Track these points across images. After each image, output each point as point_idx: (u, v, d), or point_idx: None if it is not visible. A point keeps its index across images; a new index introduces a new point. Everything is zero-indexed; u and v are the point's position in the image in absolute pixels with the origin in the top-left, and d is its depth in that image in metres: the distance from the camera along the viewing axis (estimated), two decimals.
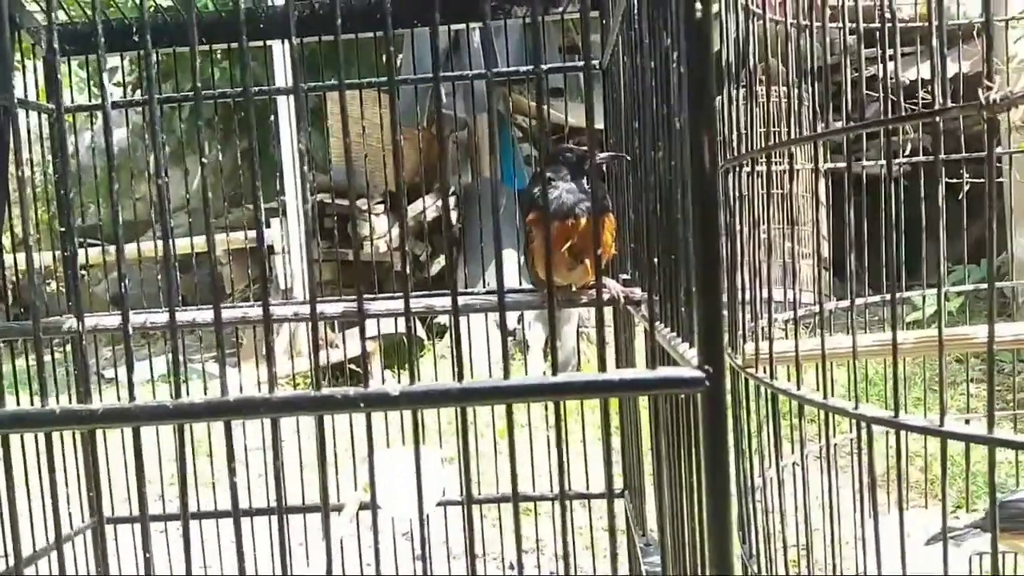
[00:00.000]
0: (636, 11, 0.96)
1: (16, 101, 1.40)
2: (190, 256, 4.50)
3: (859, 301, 1.48)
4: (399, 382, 0.56)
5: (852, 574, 1.24)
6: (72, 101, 1.93)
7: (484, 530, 1.97)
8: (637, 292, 1.18)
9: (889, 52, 1.00)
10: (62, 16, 1.61)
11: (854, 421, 0.90)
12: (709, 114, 0.58)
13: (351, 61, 1.94)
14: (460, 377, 0.55)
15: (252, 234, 4.32)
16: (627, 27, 1.07)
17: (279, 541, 0.62)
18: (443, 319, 4.76)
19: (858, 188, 1.09)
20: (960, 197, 1.75)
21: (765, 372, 1.05)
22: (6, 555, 1.29)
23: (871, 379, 3.06)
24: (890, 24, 1.07)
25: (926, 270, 1.68)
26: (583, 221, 1.19)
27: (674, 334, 0.74)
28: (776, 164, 1.41)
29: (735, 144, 1.21)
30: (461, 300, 1.28)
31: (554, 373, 0.55)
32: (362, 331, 0.67)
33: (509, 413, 0.60)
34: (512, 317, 4.48)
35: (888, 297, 0.92)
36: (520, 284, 1.66)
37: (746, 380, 1.13)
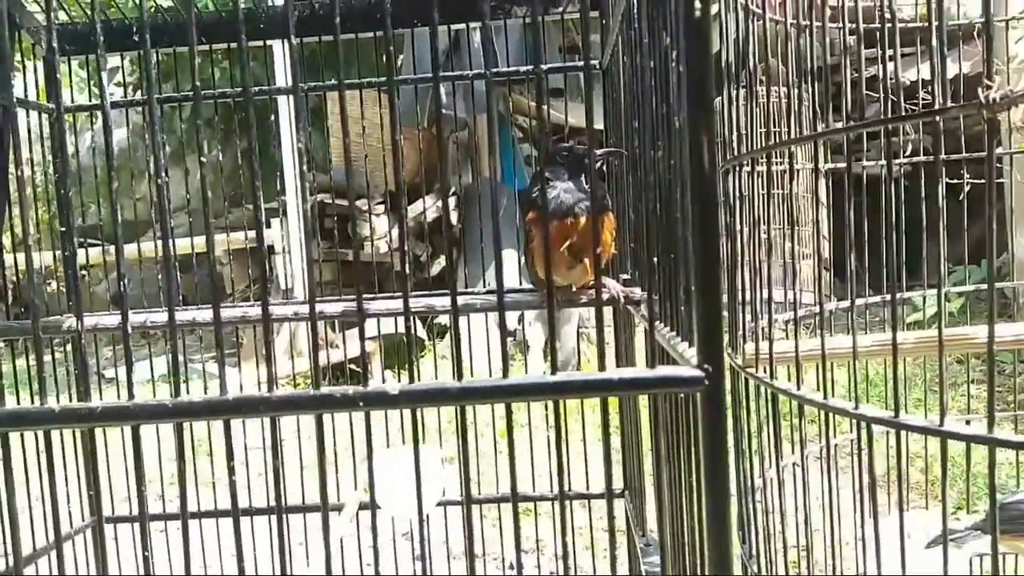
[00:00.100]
0: (636, 10, 0.96)
1: (16, 101, 1.40)
2: (190, 256, 4.50)
3: (859, 301, 1.48)
4: (399, 382, 0.56)
5: (852, 575, 1.24)
6: (72, 101, 1.93)
7: (484, 530, 1.97)
8: (637, 292, 1.18)
9: (889, 53, 1.00)
10: (62, 16, 1.61)
11: (854, 421, 0.90)
12: (708, 113, 0.58)
13: (351, 61, 1.94)
14: (460, 376, 0.55)
15: (252, 234, 4.32)
16: (627, 27, 1.07)
17: (279, 541, 0.62)
18: (443, 319, 4.76)
19: (858, 188, 1.09)
20: (961, 198, 1.75)
21: (765, 372, 1.04)
22: (5, 555, 1.29)
23: (872, 380, 3.06)
24: (890, 24, 1.07)
25: (927, 270, 1.68)
26: (582, 220, 1.19)
27: (674, 333, 0.74)
28: (776, 164, 1.41)
29: (735, 144, 1.21)
30: (461, 300, 1.28)
31: (553, 372, 0.55)
32: (362, 331, 0.67)
33: (509, 413, 0.60)
34: (512, 317, 4.49)
35: (888, 298, 0.91)
36: (520, 284, 1.66)
37: (746, 380, 1.13)
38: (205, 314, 1.29)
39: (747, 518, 1.19)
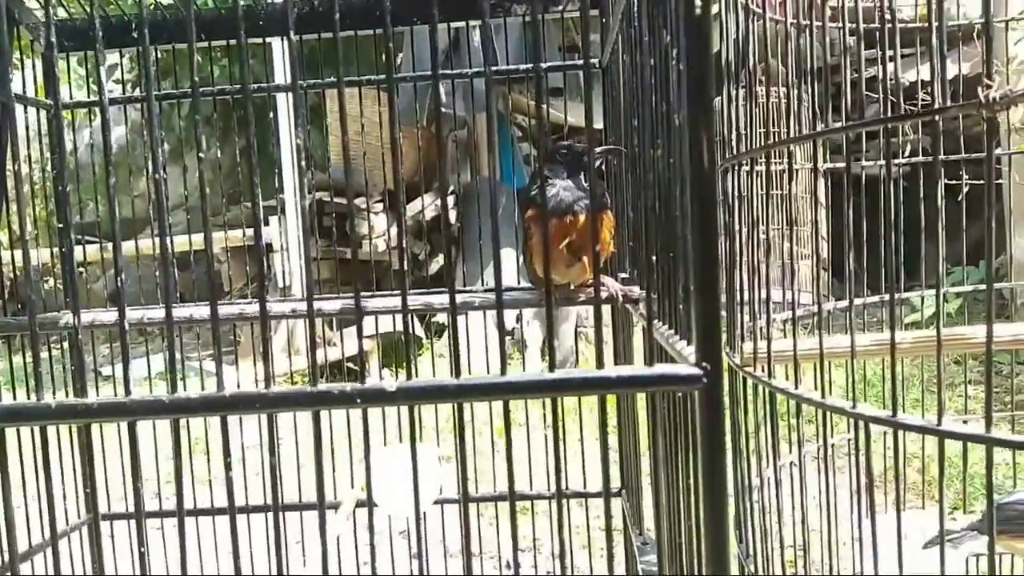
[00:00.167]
0: (636, 8, 0.96)
1: (14, 97, 1.40)
2: (188, 254, 4.49)
3: (858, 301, 1.48)
4: (397, 380, 0.55)
5: (849, 575, 1.24)
6: (71, 98, 1.93)
7: (481, 529, 1.97)
8: (635, 290, 1.18)
9: (889, 54, 1.00)
10: (61, 13, 1.61)
11: (852, 421, 0.90)
12: (708, 111, 0.58)
13: (350, 60, 1.94)
14: (457, 373, 0.55)
15: (250, 232, 4.32)
16: (627, 25, 1.06)
17: (275, 538, 0.62)
18: (441, 318, 4.76)
19: (857, 189, 1.09)
20: (959, 198, 1.75)
21: (763, 371, 1.04)
22: (1, 552, 1.28)
23: (869, 380, 3.06)
24: (890, 25, 1.07)
25: (925, 271, 1.68)
26: (581, 218, 1.19)
27: (672, 332, 0.74)
28: (775, 163, 1.41)
29: (734, 144, 1.21)
30: (459, 298, 1.28)
31: (551, 370, 0.54)
32: (359, 328, 0.67)
33: (506, 411, 0.60)
34: (510, 317, 4.48)
35: (887, 298, 0.91)
36: (519, 283, 1.66)
37: (744, 379, 1.13)
38: (202, 311, 1.29)
39: (744, 517, 1.19)
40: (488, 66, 0.64)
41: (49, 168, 1.57)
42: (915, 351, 1.28)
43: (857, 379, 1.13)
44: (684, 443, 0.71)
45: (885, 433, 1.64)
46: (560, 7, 1.49)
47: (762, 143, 1.26)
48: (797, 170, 3.56)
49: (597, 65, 1.50)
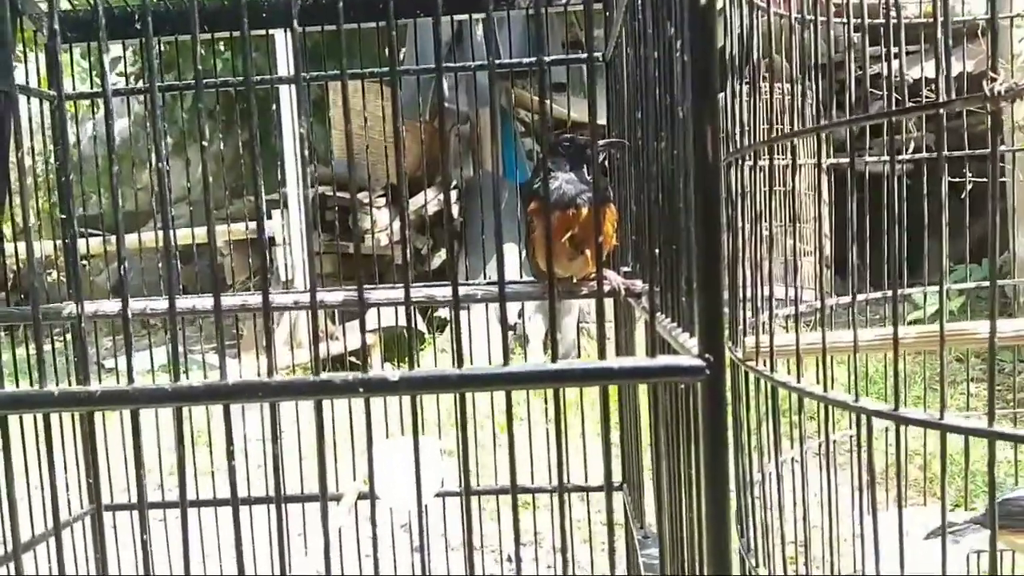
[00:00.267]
0: (640, 0, 0.96)
1: (17, 87, 1.40)
2: (191, 247, 4.50)
3: (860, 297, 1.48)
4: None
5: (850, 573, 1.24)
6: (74, 90, 1.93)
7: (482, 522, 1.97)
8: (638, 284, 1.18)
9: (894, 50, 1.00)
10: (64, 5, 1.61)
11: (854, 417, 0.89)
12: (713, 103, 0.58)
13: (353, 52, 1.94)
14: (460, 363, 0.55)
15: (253, 225, 4.32)
16: (631, 17, 1.06)
17: (277, 528, 0.62)
18: (443, 313, 4.76)
19: (861, 186, 1.09)
20: (963, 196, 1.75)
21: (765, 365, 1.04)
22: (4, 542, 1.29)
23: (871, 377, 3.06)
24: (895, 21, 1.07)
25: (928, 268, 1.67)
26: (584, 211, 1.19)
27: (675, 324, 0.74)
28: (779, 159, 1.41)
29: (738, 139, 1.20)
30: (462, 290, 1.28)
31: (554, 360, 0.54)
32: (362, 320, 0.67)
33: (509, 402, 0.60)
34: (512, 312, 4.49)
35: (889, 294, 0.91)
36: (521, 277, 1.65)
37: (746, 374, 1.13)
38: (205, 302, 1.29)
39: (745, 512, 1.19)
40: (491, 59, 0.64)
41: (52, 160, 1.57)
42: (918, 346, 1.28)
43: (859, 376, 1.13)
44: (686, 436, 0.71)
45: (887, 429, 1.64)
46: (564, 0, 1.48)
47: (766, 138, 1.25)
48: (801, 165, 3.56)
49: (601, 59, 1.50)
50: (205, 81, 0.56)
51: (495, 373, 0.54)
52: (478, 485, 1.75)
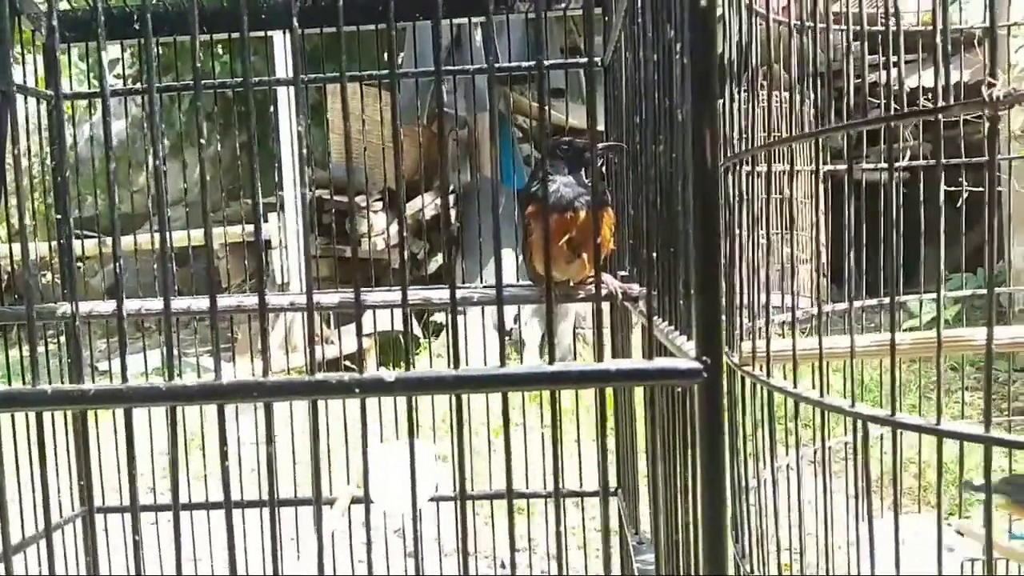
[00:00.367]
0: (640, 3, 0.96)
1: (15, 87, 1.39)
2: (187, 249, 4.49)
3: (856, 304, 1.48)
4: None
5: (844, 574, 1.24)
6: (72, 91, 1.92)
7: (476, 528, 1.96)
8: (635, 288, 1.18)
9: (893, 59, 1.00)
10: (62, 5, 1.61)
11: (849, 424, 0.89)
12: (712, 106, 0.58)
13: (352, 55, 1.94)
14: (456, 364, 0.55)
15: (249, 228, 4.32)
16: (630, 21, 1.06)
17: (271, 530, 0.62)
18: (439, 318, 4.76)
19: (858, 194, 1.09)
20: (959, 204, 1.75)
21: (761, 370, 1.04)
22: None
23: (866, 386, 3.06)
24: (894, 28, 1.07)
25: (924, 275, 1.67)
26: (582, 214, 1.18)
27: (672, 328, 0.73)
28: (776, 165, 1.41)
29: (735, 144, 1.20)
30: (459, 293, 1.28)
31: (551, 362, 0.54)
32: (358, 322, 0.66)
33: (505, 405, 0.60)
34: (508, 317, 4.48)
35: (885, 301, 0.91)
36: (517, 281, 1.65)
37: (742, 379, 1.13)
38: (200, 303, 1.28)
39: (741, 518, 1.19)
40: (491, 62, 0.64)
41: (48, 161, 1.57)
42: (914, 352, 1.28)
43: (855, 383, 1.13)
44: (683, 439, 0.71)
45: (882, 436, 1.64)
46: (563, 4, 1.49)
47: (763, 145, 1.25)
48: (798, 172, 3.57)
49: (599, 64, 1.50)
50: (203, 83, 0.55)
51: (492, 374, 0.54)
52: (472, 490, 1.74)
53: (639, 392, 1.45)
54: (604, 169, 1.47)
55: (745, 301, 1.17)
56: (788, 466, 1.27)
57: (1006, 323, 3.75)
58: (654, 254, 0.81)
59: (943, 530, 0.91)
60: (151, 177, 1.60)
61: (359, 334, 0.74)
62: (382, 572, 1.76)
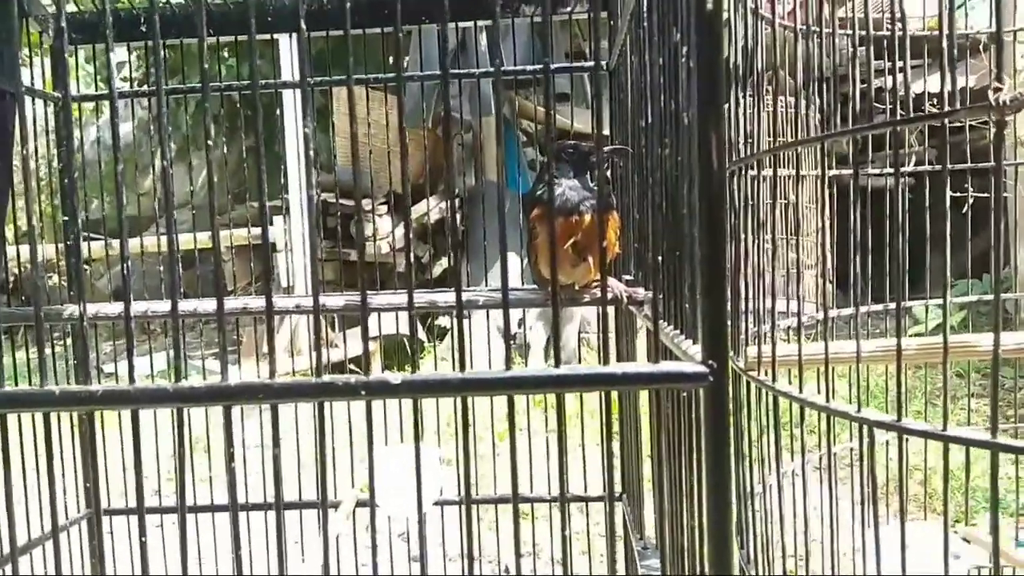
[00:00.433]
0: (646, 7, 0.96)
1: (23, 89, 1.40)
2: (192, 252, 4.50)
3: (862, 310, 1.48)
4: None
5: None
6: (79, 93, 1.93)
7: (480, 533, 1.96)
8: (640, 292, 1.18)
9: (899, 64, 1.00)
10: (70, 8, 1.62)
11: (855, 430, 0.89)
12: (718, 109, 0.57)
13: (358, 59, 1.94)
14: (461, 367, 0.55)
15: (255, 231, 4.32)
16: (636, 25, 1.06)
17: (276, 529, 0.62)
18: (443, 322, 4.76)
19: (863, 199, 1.09)
20: (964, 210, 1.75)
21: (767, 375, 1.04)
22: (1, 544, 1.28)
23: (872, 392, 3.05)
24: (900, 33, 1.07)
25: (930, 281, 1.67)
26: (587, 218, 1.18)
27: (677, 331, 0.73)
28: (782, 169, 1.41)
29: (741, 149, 1.20)
30: (464, 296, 1.28)
31: (557, 365, 0.54)
32: (364, 325, 0.66)
33: (511, 408, 0.60)
34: (512, 321, 4.48)
35: (891, 306, 0.91)
36: (522, 285, 1.65)
37: (748, 384, 1.13)
38: (207, 304, 1.28)
39: (745, 523, 1.19)
40: (496, 65, 0.64)
41: (55, 164, 1.57)
42: (920, 358, 1.28)
43: (860, 388, 1.13)
44: (688, 443, 0.71)
45: (888, 443, 1.63)
46: (569, 8, 1.49)
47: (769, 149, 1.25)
48: (803, 177, 3.56)
49: (605, 68, 1.50)
50: (210, 85, 0.56)
51: (497, 377, 0.54)
52: (477, 495, 1.74)
53: (644, 396, 1.44)
54: (609, 173, 1.47)
55: (750, 306, 1.17)
56: (793, 471, 1.26)
57: (1012, 329, 3.74)
58: (659, 258, 0.81)
59: (949, 537, 0.91)
60: (158, 180, 1.60)
61: (364, 337, 0.74)
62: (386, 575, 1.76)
